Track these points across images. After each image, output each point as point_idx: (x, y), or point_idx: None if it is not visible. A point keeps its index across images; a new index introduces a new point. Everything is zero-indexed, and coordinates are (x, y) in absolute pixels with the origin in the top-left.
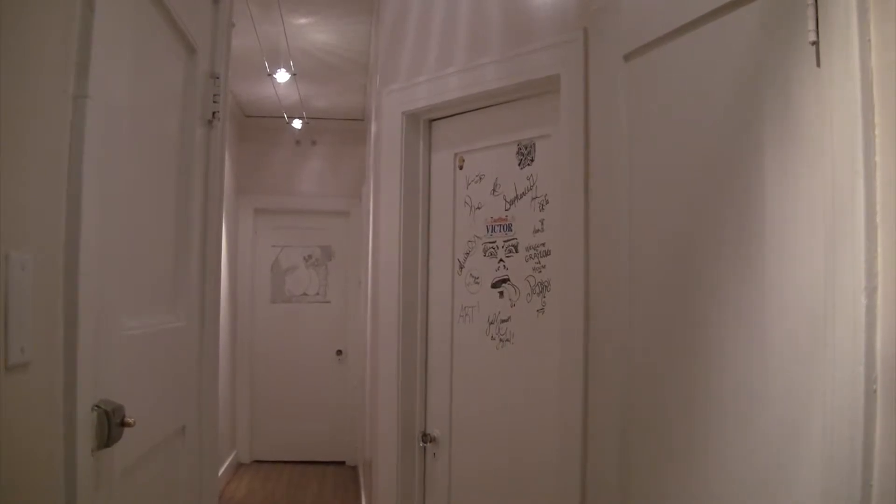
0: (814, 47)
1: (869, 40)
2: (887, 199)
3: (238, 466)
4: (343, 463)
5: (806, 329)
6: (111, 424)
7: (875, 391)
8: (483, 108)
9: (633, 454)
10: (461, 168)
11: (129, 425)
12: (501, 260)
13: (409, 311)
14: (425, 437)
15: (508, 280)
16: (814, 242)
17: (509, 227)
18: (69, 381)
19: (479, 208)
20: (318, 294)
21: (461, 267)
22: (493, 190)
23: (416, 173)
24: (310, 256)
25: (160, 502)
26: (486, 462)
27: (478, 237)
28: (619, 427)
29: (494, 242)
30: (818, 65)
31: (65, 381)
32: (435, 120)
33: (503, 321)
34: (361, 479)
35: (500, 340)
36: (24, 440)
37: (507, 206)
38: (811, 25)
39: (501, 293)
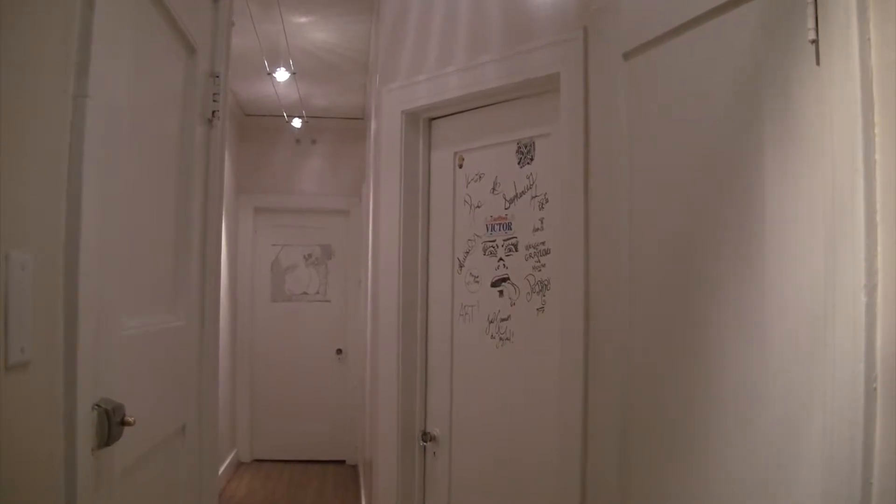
0: (813, 46)
1: (869, 39)
2: (887, 198)
3: (238, 465)
4: (343, 462)
5: (806, 329)
6: (111, 423)
7: (875, 390)
8: (483, 106)
9: (633, 454)
10: (461, 167)
11: (129, 424)
12: (501, 259)
13: (409, 310)
14: (425, 436)
15: (508, 279)
16: (814, 242)
17: (509, 226)
18: (69, 381)
19: (478, 207)
20: (318, 293)
21: (461, 266)
22: (493, 189)
23: (415, 172)
24: (310, 255)
25: (160, 501)
26: (486, 461)
27: (477, 236)
28: (619, 427)
29: (494, 241)
30: (818, 63)
31: (65, 380)
32: (435, 119)
33: (503, 320)
34: (362, 478)
35: (500, 339)
36: (24, 440)
37: (507, 204)
38: (811, 24)
39: (501, 292)
